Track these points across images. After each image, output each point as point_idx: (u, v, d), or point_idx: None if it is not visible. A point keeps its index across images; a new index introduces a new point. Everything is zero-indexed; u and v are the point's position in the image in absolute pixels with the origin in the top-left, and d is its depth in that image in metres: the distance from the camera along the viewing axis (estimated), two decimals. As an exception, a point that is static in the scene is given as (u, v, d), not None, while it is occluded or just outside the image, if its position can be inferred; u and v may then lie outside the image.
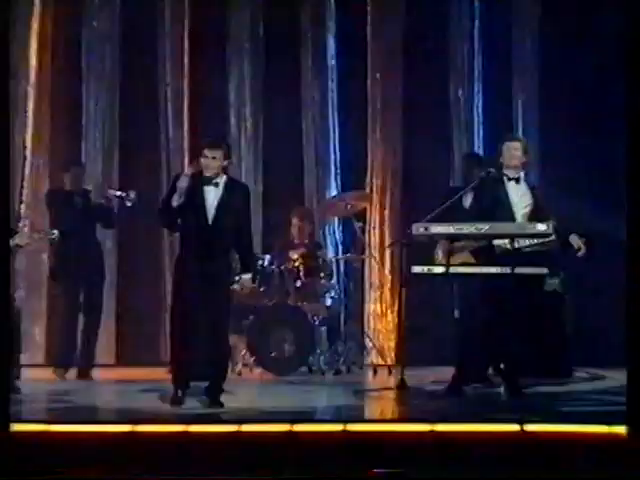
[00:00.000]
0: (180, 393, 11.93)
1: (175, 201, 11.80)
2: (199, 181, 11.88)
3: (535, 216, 12.66)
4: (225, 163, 11.84)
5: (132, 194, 14.35)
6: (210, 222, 11.95)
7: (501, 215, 12.58)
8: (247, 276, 12.52)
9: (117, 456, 10.04)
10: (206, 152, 11.98)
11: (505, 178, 12.71)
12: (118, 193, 14.61)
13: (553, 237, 12.75)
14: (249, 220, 12.60)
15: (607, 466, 9.87)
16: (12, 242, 13.12)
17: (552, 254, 13.35)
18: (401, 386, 12.61)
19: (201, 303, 12.19)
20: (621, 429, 10.33)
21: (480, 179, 12.92)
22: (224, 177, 12.04)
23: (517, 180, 12.71)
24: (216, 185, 11.95)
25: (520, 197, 12.72)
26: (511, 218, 12.65)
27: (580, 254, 12.80)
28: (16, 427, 10.58)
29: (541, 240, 12.78)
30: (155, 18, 16.30)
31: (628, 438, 10.19)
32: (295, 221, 15.12)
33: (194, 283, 12.16)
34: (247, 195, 12.41)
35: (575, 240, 12.65)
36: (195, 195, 12.00)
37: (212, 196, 11.96)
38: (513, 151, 12.77)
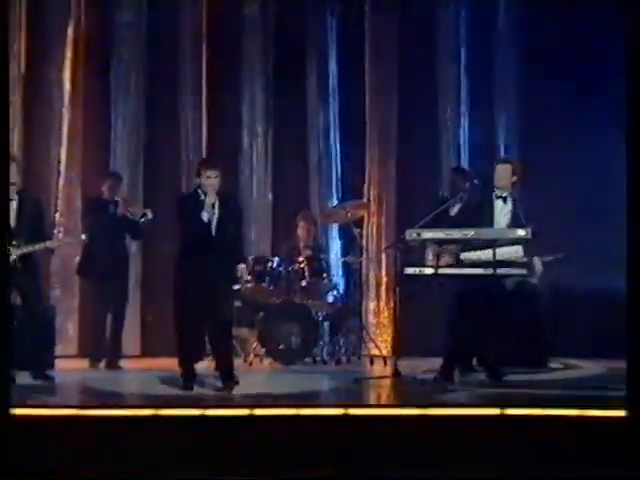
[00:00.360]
0: (188, 383, 12.32)
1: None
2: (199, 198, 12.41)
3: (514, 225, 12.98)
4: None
5: (149, 214, 14.35)
6: (213, 232, 12.39)
7: (476, 222, 12.83)
8: (242, 265, 12.92)
9: (142, 437, 10.23)
10: (208, 172, 12.37)
11: (494, 195, 12.97)
12: (138, 214, 14.57)
13: (525, 259, 12.94)
14: (241, 226, 13.36)
15: (606, 448, 10.02)
16: (44, 245, 13.36)
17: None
18: (395, 374, 12.88)
19: (206, 300, 12.43)
20: (620, 412, 10.46)
21: (467, 191, 13.35)
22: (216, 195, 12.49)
23: (504, 199, 12.98)
24: (213, 201, 12.34)
25: (503, 215, 12.98)
26: (490, 223, 12.95)
27: (537, 274, 13.33)
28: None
29: (513, 259, 12.89)
30: (177, 45, 16.29)
31: (627, 421, 10.30)
32: (302, 224, 15.30)
33: (200, 282, 12.46)
34: (238, 207, 13.43)
35: (537, 263, 13.08)
36: (198, 210, 12.42)
37: (214, 212, 12.42)
38: (502, 172, 13.02)
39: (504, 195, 13.02)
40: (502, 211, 13.01)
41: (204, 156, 16.06)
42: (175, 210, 12.83)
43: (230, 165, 16.08)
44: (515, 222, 12.94)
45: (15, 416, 10.41)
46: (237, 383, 12.28)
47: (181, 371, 12.51)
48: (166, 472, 9.90)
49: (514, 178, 13.17)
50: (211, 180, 12.31)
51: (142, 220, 14.53)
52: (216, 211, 12.49)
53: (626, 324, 10.45)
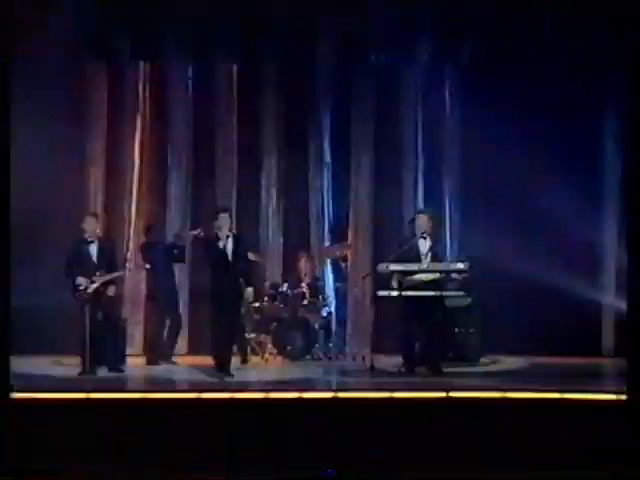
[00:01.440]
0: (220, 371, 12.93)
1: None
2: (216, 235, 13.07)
3: (433, 258, 13.66)
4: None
5: (202, 233, 14.39)
6: (229, 261, 13.05)
7: (414, 257, 13.63)
8: (250, 289, 13.59)
9: (187, 417, 10.70)
10: (221, 214, 13.16)
11: (420, 235, 13.66)
12: (194, 232, 14.71)
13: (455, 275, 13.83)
14: (248, 258, 13.72)
15: (607, 429, 10.33)
16: (118, 274, 13.90)
17: (469, 284, 14.35)
18: (371, 368, 13.65)
19: (227, 312, 13.07)
20: (621, 396, 10.93)
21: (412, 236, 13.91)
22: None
23: (424, 237, 13.64)
24: (227, 238, 13.00)
25: (426, 247, 13.65)
26: (418, 259, 13.58)
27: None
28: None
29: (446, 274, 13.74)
30: (214, 128, 16.33)
31: (627, 404, 10.67)
32: (303, 259, 15.81)
33: (223, 300, 13.05)
34: (245, 242, 13.63)
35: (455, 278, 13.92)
36: (216, 243, 13.06)
37: (229, 246, 13.06)
38: (421, 220, 13.76)
39: (424, 235, 13.63)
40: (425, 245, 13.65)
41: (234, 204, 16.22)
42: (203, 244, 13.79)
43: (251, 216, 16.50)
44: (433, 253, 13.69)
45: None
46: (232, 375, 12.91)
47: (215, 363, 13.15)
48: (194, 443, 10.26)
49: (430, 223, 13.76)
50: (225, 219, 13.09)
51: (198, 232, 14.56)
52: (230, 242, 13.07)
53: (626, 316, 11.22)
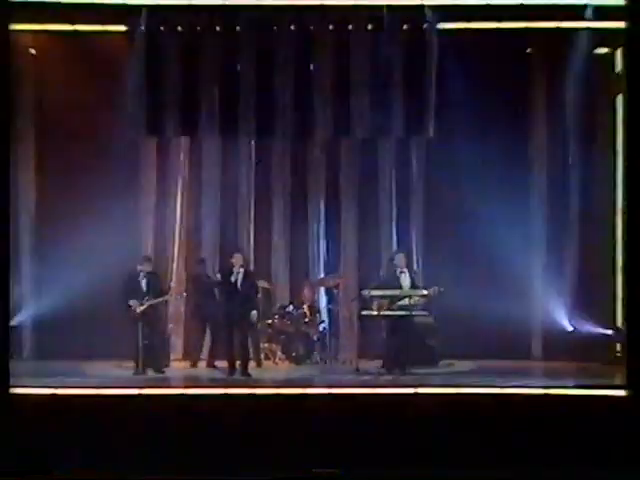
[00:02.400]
0: (232, 372, 13.38)
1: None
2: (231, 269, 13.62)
3: (412, 288, 13.94)
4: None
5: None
6: (238, 289, 13.54)
7: (397, 287, 13.91)
8: (254, 312, 13.81)
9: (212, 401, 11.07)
10: (235, 255, 13.72)
11: (398, 270, 14.02)
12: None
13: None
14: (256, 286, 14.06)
15: (607, 425, 10.20)
16: (164, 299, 14.30)
17: (430, 306, 14.68)
18: (357, 369, 14.03)
19: (236, 329, 13.59)
20: (621, 392, 10.86)
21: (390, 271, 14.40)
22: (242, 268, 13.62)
23: (403, 272, 14.00)
24: (239, 272, 13.52)
25: (406, 280, 13.98)
26: (400, 287, 13.87)
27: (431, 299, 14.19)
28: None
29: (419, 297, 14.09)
30: (238, 191, 16.23)
31: (628, 400, 10.61)
32: (305, 286, 15.84)
33: (236, 317, 13.55)
34: (255, 276, 14.12)
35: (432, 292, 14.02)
36: (231, 276, 13.60)
37: (239, 277, 13.52)
38: (400, 259, 14.14)
39: (404, 270, 13.99)
40: (405, 279, 13.95)
41: (252, 247, 16.27)
42: (220, 274, 14.19)
43: (265, 254, 16.37)
44: (412, 283, 13.98)
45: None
46: (250, 375, 13.33)
47: (228, 367, 13.62)
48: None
49: (406, 260, 14.16)
50: (238, 257, 13.69)
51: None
52: (241, 274, 13.56)
53: (626, 312, 11.38)
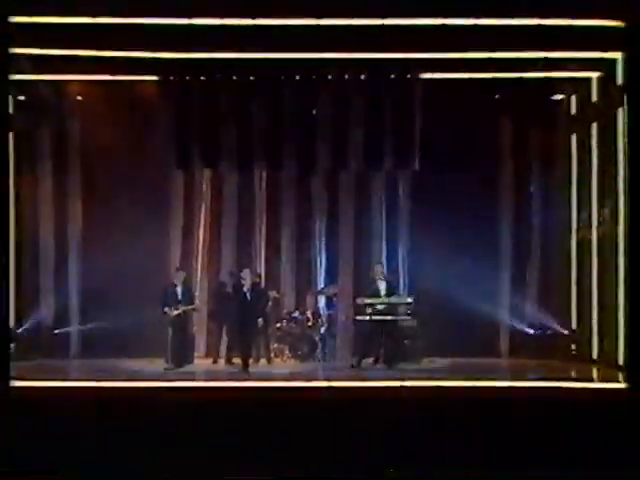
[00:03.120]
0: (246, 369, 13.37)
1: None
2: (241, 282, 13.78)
3: (388, 293, 14.04)
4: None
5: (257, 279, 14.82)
6: (247, 296, 13.71)
7: (376, 293, 14.02)
8: (260, 319, 13.99)
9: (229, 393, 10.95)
10: (245, 270, 13.94)
11: (377, 278, 14.22)
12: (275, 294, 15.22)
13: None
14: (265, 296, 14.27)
15: (607, 419, 9.75)
16: (192, 307, 14.27)
17: (413, 311, 14.60)
18: (352, 366, 13.91)
19: (243, 330, 13.65)
20: (621, 385, 10.92)
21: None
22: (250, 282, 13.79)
23: (380, 279, 14.20)
24: (248, 284, 13.69)
25: (382, 286, 14.04)
26: (379, 294, 13.98)
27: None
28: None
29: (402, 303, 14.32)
30: (252, 204, 16.09)
31: (628, 393, 10.53)
32: (308, 295, 15.92)
33: (244, 322, 13.67)
34: (262, 287, 14.39)
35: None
36: (242, 287, 13.73)
37: (249, 288, 13.69)
38: (377, 268, 14.39)
39: (382, 278, 14.18)
40: (381, 285, 14.08)
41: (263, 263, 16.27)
42: (232, 286, 14.24)
43: (275, 269, 16.25)
44: (388, 289, 14.05)
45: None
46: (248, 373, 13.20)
47: (242, 363, 13.61)
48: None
49: (382, 269, 14.39)
50: (247, 272, 13.90)
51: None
52: (248, 287, 13.70)
53: (628, 307, 11.16)
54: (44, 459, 9.00)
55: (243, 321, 13.80)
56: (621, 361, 13.08)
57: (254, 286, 13.93)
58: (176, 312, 13.88)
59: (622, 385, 11.25)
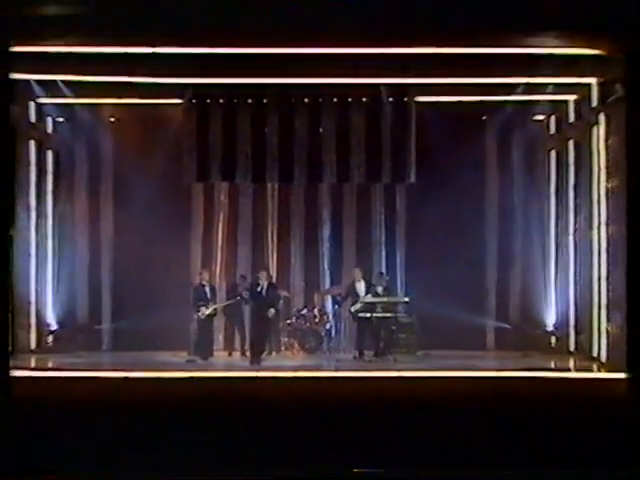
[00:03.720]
0: (255, 361, 13.26)
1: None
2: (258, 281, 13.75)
3: (366, 294, 13.95)
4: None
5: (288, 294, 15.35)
6: (263, 294, 13.65)
7: (355, 293, 13.98)
8: (272, 310, 13.72)
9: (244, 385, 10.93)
10: (261, 271, 14.02)
11: (357, 280, 14.10)
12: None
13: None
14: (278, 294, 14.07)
15: (608, 408, 9.31)
16: (208, 311, 13.89)
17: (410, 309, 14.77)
18: (354, 357, 14.02)
19: (258, 324, 13.63)
20: (621, 375, 10.50)
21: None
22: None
23: (359, 282, 14.05)
24: (264, 282, 13.65)
25: (361, 287, 14.00)
26: (356, 295, 13.95)
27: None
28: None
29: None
30: (264, 212, 16.06)
31: (628, 383, 10.24)
32: (316, 295, 15.92)
33: (257, 316, 13.69)
34: (276, 287, 14.10)
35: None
36: (258, 287, 13.69)
37: (264, 286, 13.62)
38: (356, 272, 14.25)
39: (360, 280, 14.00)
40: (360, 286, 13.96)
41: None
42: (250, 285, 14.15)
43: (285, 271, 16.15)
44: (367, 290, 13.96)
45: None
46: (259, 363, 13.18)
47: (254, 355, 13.57)
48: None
49: (362, 273, 14.06)
50: (263, 274, 13.91)
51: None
52: (265, 285, 13.66)
53: (626, 299, 10.78)
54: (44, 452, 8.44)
55: (258, 317, 13.78)
56: (595, 353, 13.24)
57: (269, 286, 13.91)
58: (209, 310, 13.75)
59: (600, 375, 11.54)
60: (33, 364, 13.03)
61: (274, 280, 15.24)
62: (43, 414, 8.63)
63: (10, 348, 10.48)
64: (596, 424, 8.88)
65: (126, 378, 10.92)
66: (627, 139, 10.79)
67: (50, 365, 13.09)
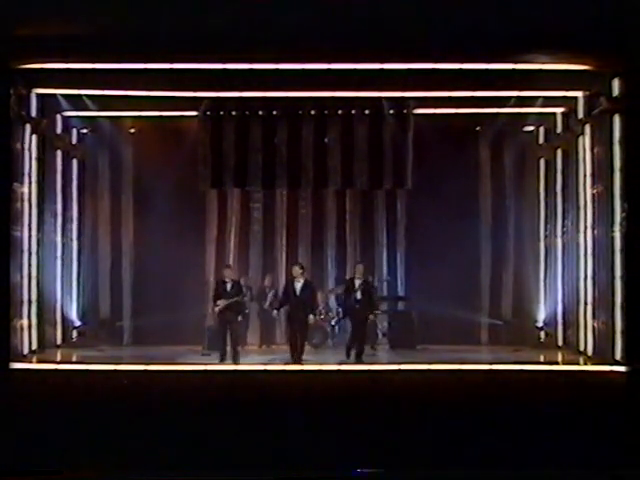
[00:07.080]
0: (296, 357, 12.42)
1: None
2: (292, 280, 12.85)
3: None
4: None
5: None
6: (297, 294, 12.67)
7: (352, 289, 12.93)
8: (311, 316, 12.67)
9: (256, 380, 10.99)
10: (296, 267, 12.94)
11: (355, 277, 13.13)
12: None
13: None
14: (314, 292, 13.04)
15: (594, 398, 9.32)
16: (235, 300, 12.80)
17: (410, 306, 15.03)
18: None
19: (296, 324, 12.73)
20: (621, 368, 10.57)
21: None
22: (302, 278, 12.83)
23: (358, 279, 12.94)
24: (299, 281, 12.68)
25: (358, 284, 12.89)
26: (354, 290, 12.81)
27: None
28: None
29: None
30: (278, 216, 16.08)
31: (627, 375, 10.35)
32: (320, 294, 14.82)
33: (293, 316, 12.79)
34: (311, 284, 12.97)
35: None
36: (291, 285, 12.80)
37: (299, 285, 12.68)
38: (359, 267, 13.30)
39: (359, 277, 12.97)
40: (357, 283, 12.85)
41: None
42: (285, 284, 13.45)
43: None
44: (361, 287, 12.93)
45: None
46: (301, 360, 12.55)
47: (290, 351, 12.65)
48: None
49: (362, 269, 13.05)
50: (296, 270, 12.79)
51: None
52: (300, 284, 12.63)
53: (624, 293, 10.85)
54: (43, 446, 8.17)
55: (294, 315, 12.74)
56: (582, 347, 13.30)
57: (305, 284, 12.70)
58: (221, 305, 12.97)
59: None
60: (59, 357, 13.19)
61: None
62: (58, 407, 8.51)
63: (36, 343, 10.99)
64: (583, 411, 8.78)
65: (145, 371, 10.94)
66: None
67: (74, 359, 13.12)
